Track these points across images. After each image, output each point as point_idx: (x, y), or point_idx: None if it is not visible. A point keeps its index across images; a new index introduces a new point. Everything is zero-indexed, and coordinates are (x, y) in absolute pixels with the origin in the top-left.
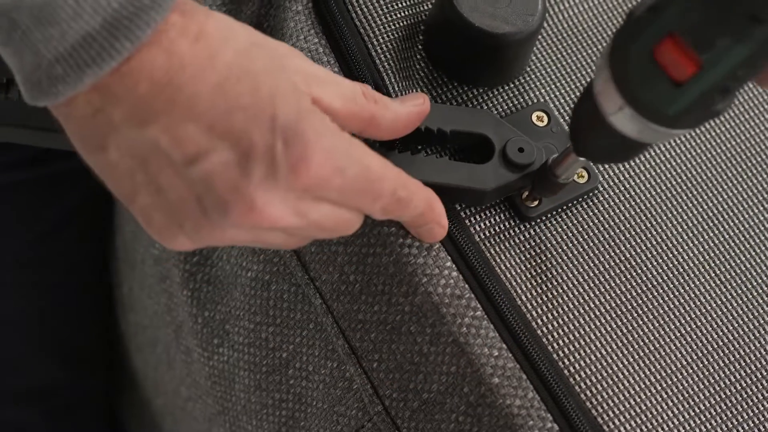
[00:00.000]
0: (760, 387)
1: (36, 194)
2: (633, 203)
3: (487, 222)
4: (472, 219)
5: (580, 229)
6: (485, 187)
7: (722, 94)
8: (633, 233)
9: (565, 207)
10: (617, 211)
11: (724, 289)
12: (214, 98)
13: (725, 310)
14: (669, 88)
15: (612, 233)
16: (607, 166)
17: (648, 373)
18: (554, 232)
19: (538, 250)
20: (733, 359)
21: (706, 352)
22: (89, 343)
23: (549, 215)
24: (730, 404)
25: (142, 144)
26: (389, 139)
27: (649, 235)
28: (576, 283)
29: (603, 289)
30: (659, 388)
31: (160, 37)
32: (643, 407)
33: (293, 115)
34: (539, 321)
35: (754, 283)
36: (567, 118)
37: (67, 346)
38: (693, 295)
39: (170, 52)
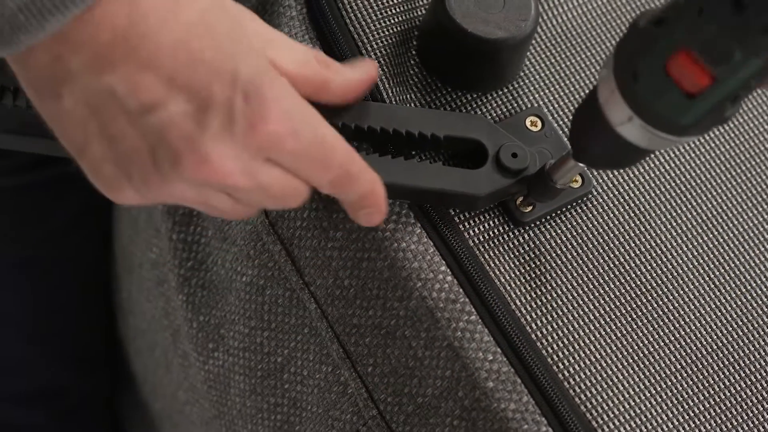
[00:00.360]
0: (755, 391)
1: (38, 198)
2: (627, 207)
3: (481, 227)
4: (466, 224)
5: (574, 233)
6: (479, 192)
7: (733, 103)
8: (627, 237)
9: (559, 212)
10: (611, 215)
11: (718, 293)
12: (175, 50)
13: (719, 314)
14: (681, 100)
15: (606, 238)
16: (601, 171)
17: (642, 377)
18: (548, 237)
19: (532, 255)
20: (727, 363)
21: (700, 356)
22: (91, 345)
23: (543, 220)
24: (724, 408)
25: (98, 91)
26: (340, 106)
27: (643, 240)
28: (570, 287)
29: (597, 294)
30: (653, 392)
31: None
32: (637, 411)
33: (254, 74)
34: (533, 325)
35: (749, 287)
36: (561, 122)
37: (69, 348)
38: (687, 300)
39: (133, 1)
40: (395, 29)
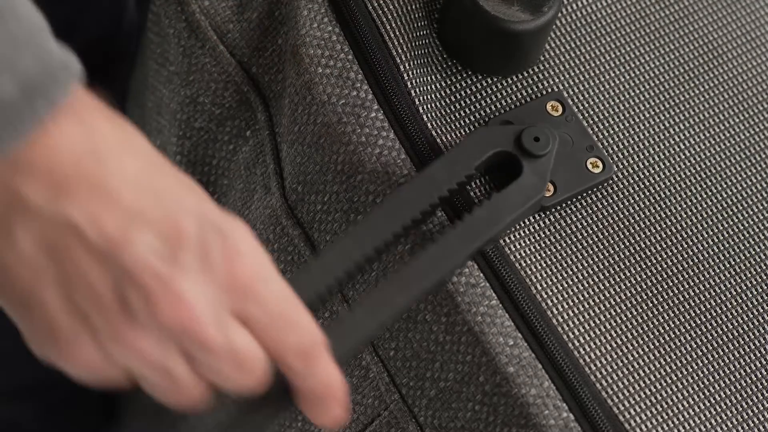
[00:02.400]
0: None
1: None
2: (647, 193)
3: None
4: None
5: (595, 218)
6: (541, 192)
7: None
8: (648, 223)
9: (579, 197)
10: (632, 200)
11: (739, 279)
12: (138, 179)
13: (740, 300)
14: None
15: (627, 223)
16: (622, 156)
17: (663, 363)
18: (569, 222)
19: (553, 239)
20: (748, 350)
21: (721, 342)
22: None
23: (564, 204)
24: (745, 395)
25: (55, 223)
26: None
27: (664, 225)
28: (591, 272)
29: (618, 279)
30: (674, 378)
31: (77, 108)
32: (659, 397)
33: (220, 213)
34: (554, 310)
35: None
36: (582, 107)
37: None
38: (708, 285)
39: (90, 125)
40: (417, 12)
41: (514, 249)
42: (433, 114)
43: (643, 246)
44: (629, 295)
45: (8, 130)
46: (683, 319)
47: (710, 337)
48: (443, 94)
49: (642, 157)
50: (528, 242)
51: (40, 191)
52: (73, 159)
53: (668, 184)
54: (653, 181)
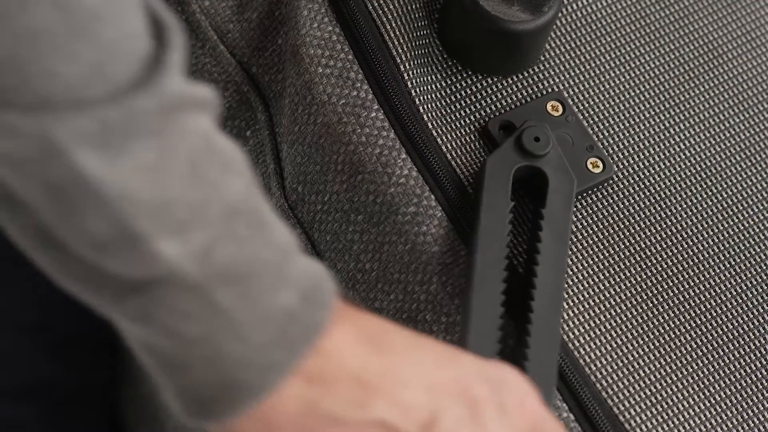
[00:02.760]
0: None
1: None
2: (647, 193)
3: None
4: None
5: (595, 218)
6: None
7: None
8: (648, 223)
9: (580, 196)
10: (632, 200)
11: (738, 280)
12: (423, 357)
13: (740, 300)
14: None
15: (627, 223)
16: (622, 156)
17: (663, 363)
18: None
19: None
20: (748, 350)
21: (721, 342)
22: (86, 337)
23: None
24: (745, 395)
25: (369, 427)
26: None
27: (664, 225)
28: (591, 272)
29: (618, 279)
30: (674, 378)
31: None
32: (658, 397)
33: (493, 365)
34: None
35: None
36: (582, 107)
37: (63, 341)
38: (708, 285)
39: (358, 323)
40: (417, 12)
41: None
42: (434, 114)
43: (643, 246)
44: (629, 295)
45: (305, 337)
46: (683, 319)
47: (710, 337)
48: (443, 94)
49: (642, 157)
50: None
51: (343, 401)
52: (363, 360)
53: (668, 184)
54: (653, 181)
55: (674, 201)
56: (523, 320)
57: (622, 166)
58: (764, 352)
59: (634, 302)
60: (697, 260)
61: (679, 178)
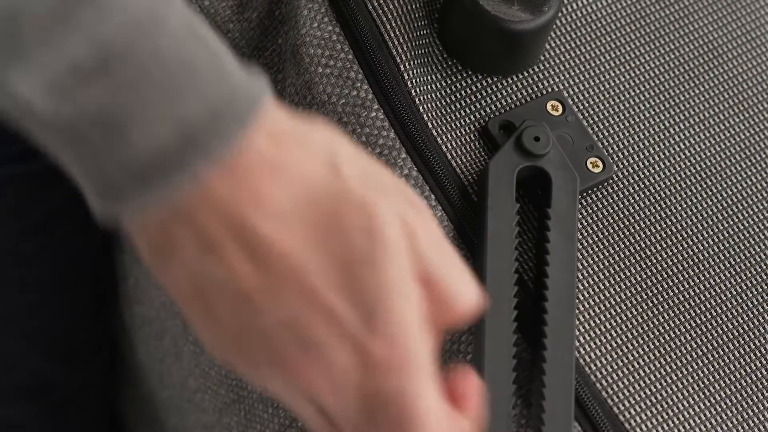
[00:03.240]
0: None
1: (29, 188)
2: (647, 193)
3: None
4: None
5: (595, 218)
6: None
7: None
8: (648, 222)
9: (579, 196)
10: (632, 200)
11: (738, 279)
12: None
13: (740, 300)
14: None
15: (626, 223)
16: (622, 156)
17: (663, 363)
18: None
19: None
20: (748, 350)
21: (721, 342)
22: (85, 338)
23: None
24: (745, 395)
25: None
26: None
27: (664, 225)
28: (591, 272)
29: (618, 279)
30: (674, 378)
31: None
32: (659, 397)
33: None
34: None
35: None
36: (582, 107)
37: (61, 342)
38: (708, 285)
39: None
40: (417, 11)
41: None
42: (434, 113)
43: (643, 246)
44: (629, 294)
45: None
46: (683, 319)
47: (710, 337)
48: (443, 94)
49: (642, 157)
50: None
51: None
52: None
53: (668, 184)
54: (653, 181)
55: (674, 201)
56: (538, 322)
57: (622, 166)
58: (764, 352)
59: (634, 302)
60: (697, 260)
61: (679, 178)
